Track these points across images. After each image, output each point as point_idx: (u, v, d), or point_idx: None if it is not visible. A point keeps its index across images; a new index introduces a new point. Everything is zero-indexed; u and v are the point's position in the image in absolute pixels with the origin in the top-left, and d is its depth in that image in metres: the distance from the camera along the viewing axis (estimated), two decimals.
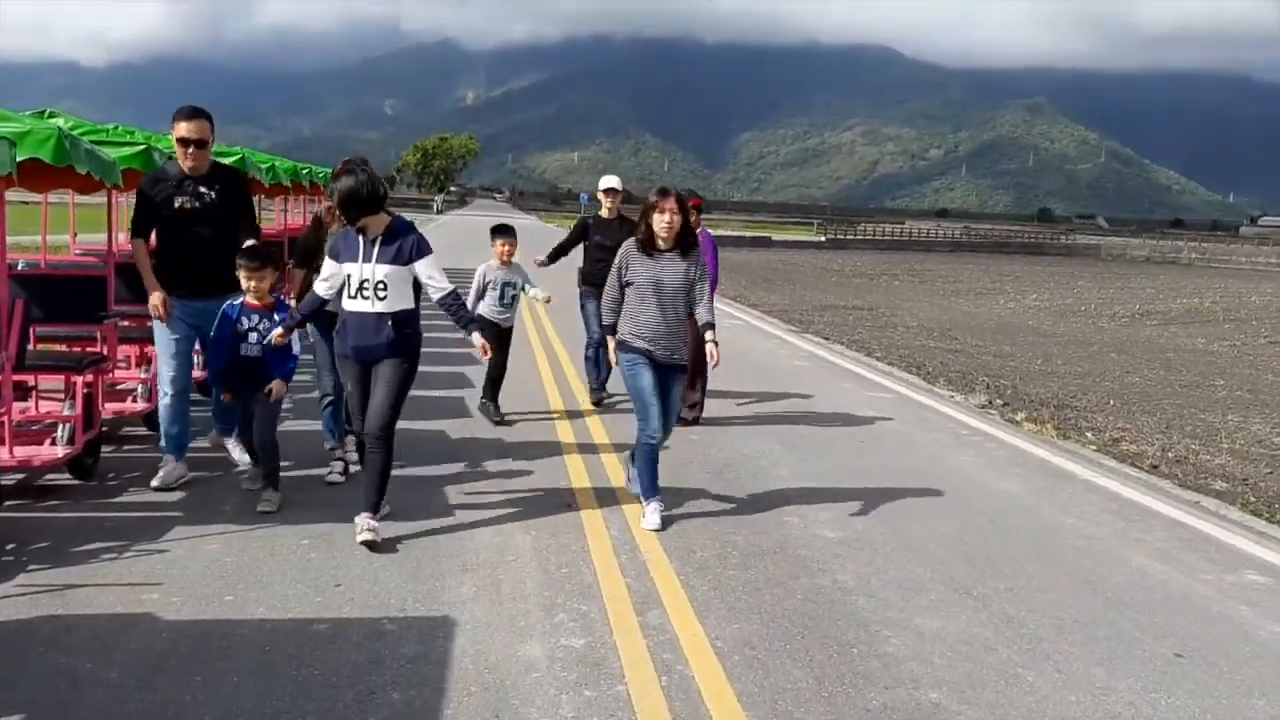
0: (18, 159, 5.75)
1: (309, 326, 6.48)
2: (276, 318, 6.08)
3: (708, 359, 6.32)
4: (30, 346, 6.87)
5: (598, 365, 9.69)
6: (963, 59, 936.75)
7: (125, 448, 7.41)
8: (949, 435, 9.65)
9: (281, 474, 6.31)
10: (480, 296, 8.86)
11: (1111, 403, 13.02)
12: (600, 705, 3.96)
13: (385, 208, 5.64)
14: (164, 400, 6.48)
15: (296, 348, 6.16)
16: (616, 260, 6.36)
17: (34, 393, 6.93)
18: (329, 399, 6.87)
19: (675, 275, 6.21)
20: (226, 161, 8.58)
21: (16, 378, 6.20)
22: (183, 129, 6.31)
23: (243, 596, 4.80)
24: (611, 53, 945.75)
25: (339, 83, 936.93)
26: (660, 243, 6.22)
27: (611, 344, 6.43)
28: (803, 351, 15.45)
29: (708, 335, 6.29)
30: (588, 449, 8.02)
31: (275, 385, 6.05)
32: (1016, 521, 6.89)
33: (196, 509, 6.02)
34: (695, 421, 9.03)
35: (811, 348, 15.93)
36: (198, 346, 6.74)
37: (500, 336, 8.82)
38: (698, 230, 9.46)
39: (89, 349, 7.32)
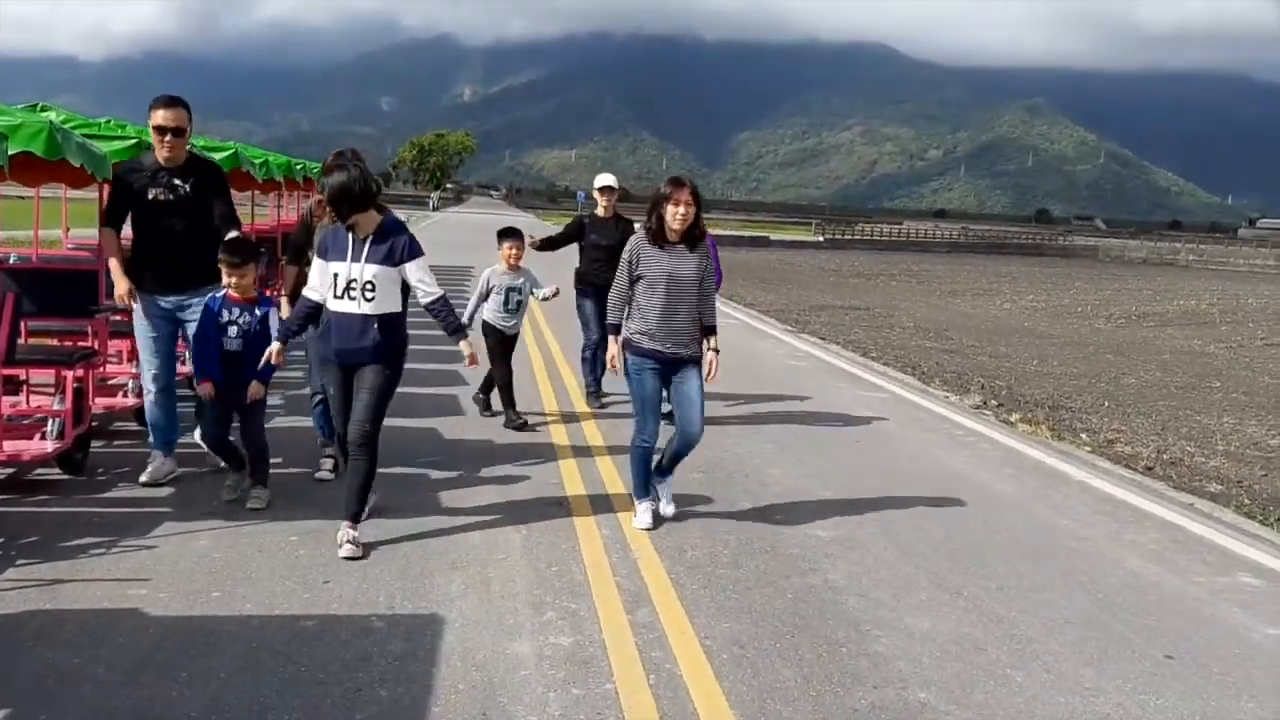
0: (9, 152, 5.75)
1: None
2: (258, 312, 6.02)
3: (705, 368, 6.14)
4: (21, 340, 6.84)
5: (594, 366, 9.64)
6: (962, 59, 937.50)
7: (115, 443, 7.38)
8: (943, 436, 9.64)
9: (272, 471, 6.29)
10: (483, 300, 8.69)
11: (1106, 404, 13.02)
12: (588, 703, 3.94)
13: (378, 204, 5.47)
14: (148, 397, 6.46)
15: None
16: (625, 254, 6.09)
17: (24, 387, 6.90)
18: (320, 396, 6.83)
19: (687, 268, 6.00)
20: (219, 156, 8.57)
21: (7, 372, 6.17)
22: (160, 116, 6.13)
23: (230, 593, 4.78)
24: (610, 50, 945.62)
25: (336, 78, 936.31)
26: (671, 235, 5.99)
27: (614, 346, 6.15)
28: (799, 351, 15.44)
29: (710, 342, 6.15)
30: (581, 448, 7.99)
31: (252, 387, 5.96)
32: (1009, 522, 6.88)
33: (185, 505, 6.00)
34: None
35: (808, 347, 15.92)
36: (181, 342, 6.68)
37: (505, 343, 8.70)
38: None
39: (80, 343, 7.29)
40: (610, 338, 6.22)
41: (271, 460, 6.32)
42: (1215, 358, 20.21)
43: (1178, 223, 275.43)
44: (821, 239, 76.55)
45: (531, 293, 8.77)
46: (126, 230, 6.46)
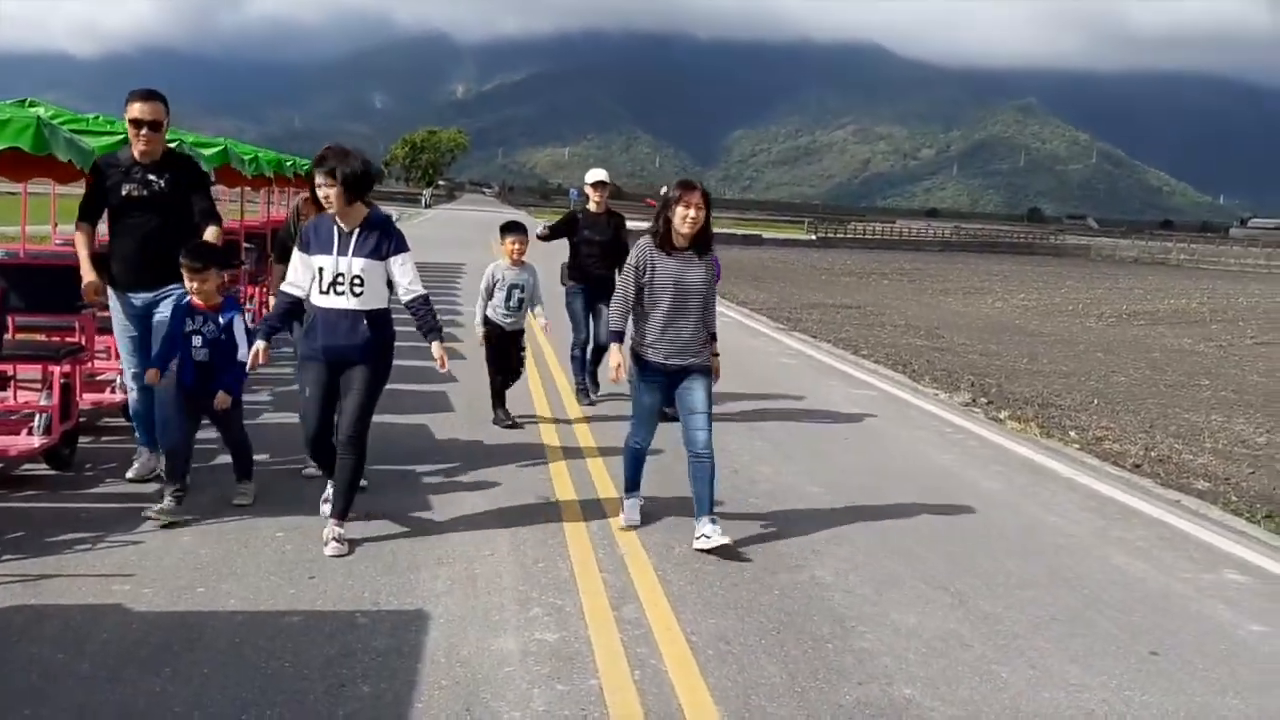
0: None
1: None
2: (222, 319, 5.80)
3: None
4: (8, 336, 6.81)
5: (583, 364, 9.62)
6: (955, 58, 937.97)
7: (103, 438, 7.36)
8: (932, 433, 9.66)
9: (259, 467, 6.28)
10: (489, 296, 8.53)
11: (1096, 402, 13.04)
12: (572, 699, 3.94)
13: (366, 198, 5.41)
14: (131, 395, 6.42)
15: (244, 353, 5.74)
16: (632, 260, 5.83)
17: (12, 382, 6.88)
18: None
19: (696, 275, 5.77)
20: (208, 153, 8.54)
21: None
22: (136, 109, 5.98)
23: (215, 588, 4.77)
24: (603, 48, 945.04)
25: (329, 75, 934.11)
26: (679, 239, 5.73)
27: (616, 354, 5.90)
28: (790, 349, 15.45)
29: (712, 347, 5.97)
30: (570, 446, 7.99)
31: (219, 398, 5.78)
32: (997, 519, 6.89)
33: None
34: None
35: (799, 345, 15.93)
36: None
37: (505, 338, 8.57)
38: None
39: (67, 339, 7.28)
40: (613, 346, 5.97)
41: (258, 456, 6.31)
42: (1205, 356, 20.26)
43: (1169, 222, 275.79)
44: (814, 237, 76.58)
45: (531, 298, 8.55)
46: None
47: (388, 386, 5.72)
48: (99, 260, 6.16)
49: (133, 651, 4.12)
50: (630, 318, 5.93)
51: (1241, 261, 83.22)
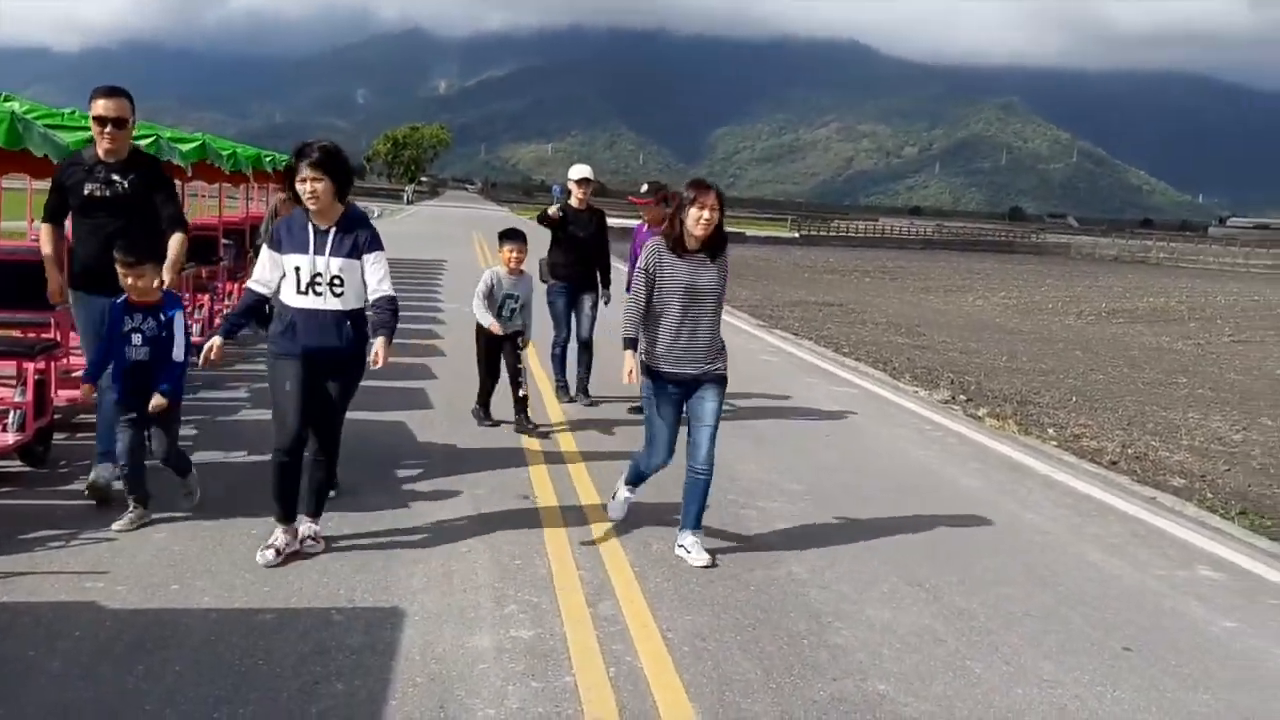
0: None
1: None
2: (163, 316, 5.54)
3: None
4: None
5: (564, 363, 9.56)
6: (938, 57, 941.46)
7: (77, 435, 7.30)
8: (912, 431, 9.69)
9: (235, 462, 6.25)
10: (488, 299, 8.21)
11: (1074, 399, 13.12)
12: (547, 696, 3.94)
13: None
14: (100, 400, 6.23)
15: (179, 352, 5.55)
16: (642, 263, 5.59)
17: None
18: None
19: (710, 279, 5.54)
20: (185, 148, 8.49)
21: None
22: (100, 106, 5.76)
23: (189, 585, 4.75)
24: (587, 44, 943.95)
25: (311, 70, 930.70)
26: (691, 242, 5.50)
27: (631, 359, 5.61)
28: (770, 346, 15.47)
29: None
30: (549, 443, 7.97)
31: (154, 400, 5.44)
32: (974, 515, 6.92)
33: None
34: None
35: (779, 343, 15.96)
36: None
37: (495, 341, 8.29)
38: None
39: (42, 335, 7.22)
40: (627, 353, 5.64)
41: (234, 453, 6.27)
42: (1183, 354, 20.40)
43: (1149, 221, 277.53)
44: (797, 235, 76.77)
45: (521, 332, 8.34)
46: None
47: (366, 384, 5.70)
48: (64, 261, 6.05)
49: (106, 649, 4.10)
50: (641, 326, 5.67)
51: (1220, 260, 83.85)
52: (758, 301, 23.31)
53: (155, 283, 5.55)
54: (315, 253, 5.04)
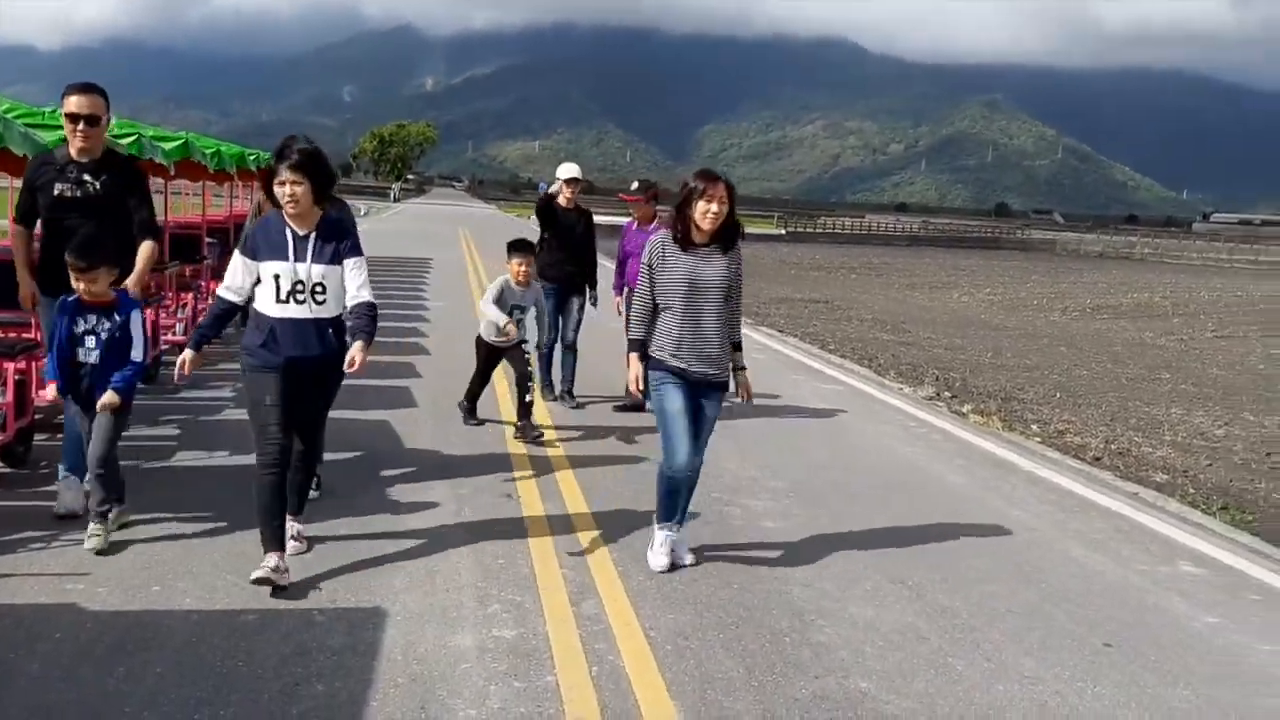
0: None
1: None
2: (118, 316, 5.25)
3: (739, 392, 5.58)
4: None
5: (549, 364, 9.49)
6: (924, 54, 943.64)
7: (58, 436, 7.23)
8: (897, 427, 9.70)
9: (218, 464, 6.21)
10: (497, 303, 8.02)
11: (1058, 395, 13.17)
12: (529, 696, 3.93)
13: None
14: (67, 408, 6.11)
15: (139, 353, 5.29)
16: (645, 258, 5.38)
17: None
18: None
19: (716, 274, 5.27)
20: (168, 146, 8.45)
21: None
22: (72, 103, 5.57)
23: (171, 587, 4.72)
24: (574, 41, 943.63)
25: (297, 68, 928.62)
26: (698, 235, 5.27)
27: (636, 365, 5.42)
28: (756, 344, 15.47)
29: (736, 359, 5.52)
30: (533, 443, 7.94)
31: (106, 397, 5.14)
32: (958, 512, 6.94)
33: (127, 498, 5.90)
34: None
35: (765, 340, 15.96)
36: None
37: (495, 351, 8.21)
38: (657, 222, 9.36)
39: (23, 335, 7.18)
40: (632, 355, 5.45)
41: (218, 453, 6.24)
42: (1166, 350, 20.50)
43: (1134, 217, 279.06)
44: (784, 232, 76.89)
45: (525, 340, 8.24)
46: None
47: (350, 382, 5.67)
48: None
49: (86, 651, 4.08)
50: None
51: (1204, 256, 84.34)
52: (744, 299, 23.30)
53: (109, 285, 5.27)
54: (296, 260, 4.80)
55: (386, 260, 24.17)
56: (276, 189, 4.76)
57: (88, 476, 5.37)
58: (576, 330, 9.45)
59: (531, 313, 8.38)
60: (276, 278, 4.80)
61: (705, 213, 5.21)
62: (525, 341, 8.32)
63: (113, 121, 7.86)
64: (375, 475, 6.77)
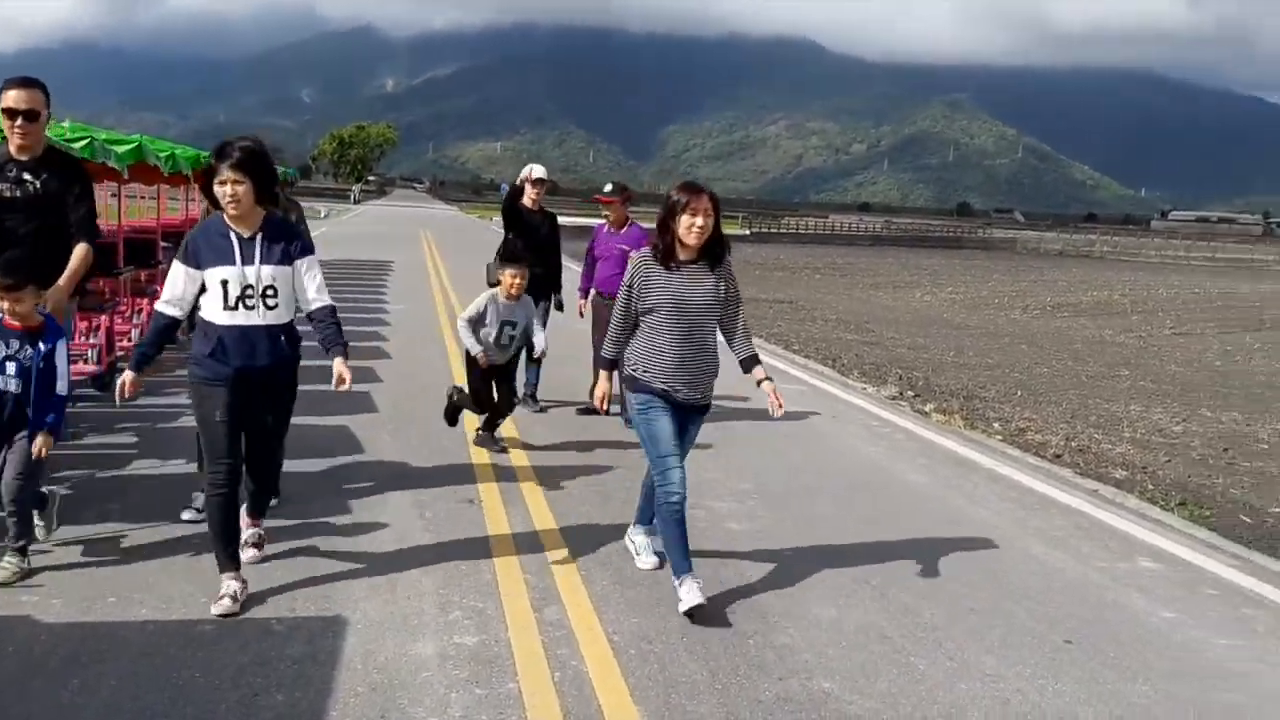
0: None
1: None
2: (43, 346, 4.86)
3: (770, 405, 5.25)
4: None
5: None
6: (885, 54, 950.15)
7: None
8: (860, 427, 9.74)
9: (171, 473, 6.12)
10: (479, 325, 7.53)
11: (1019, 393, 13.28)
12: (490, 703, 3.90)
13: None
14: None
15: (64, 385, 4.88)
16: (626, 278, 5.10)
17: None
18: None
19: (703, 293, 4.99)
20: (121, 150, 8.32)
21: None
22: (10, 98, 5.33)
23: (126, 598, 4.64)
24: (535, 41, 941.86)
25: (254, 69, 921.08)
26: (684, 252, 4.98)
27: (605, 384, 5.24)
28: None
29: (756, 374, 5.27)
30: (495, 447, 7.89)
31: (39, 442, 4.79)
32: (921, 512, 6.97)
33: (82, 507, 5.81)
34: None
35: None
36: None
37: (493, 369, 7.61)
38: (629, 226, 9.30)
39: None
40: (602, 373, 5.26)
41: (173, 461, 6.15)
42: (1125, 347, 20.73)
43: (1093, 215, 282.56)
44: (748, 232, 77.06)
45: (528, 329, 7.68)
46: None
47: (310, 387, 5.61)
48: None
49: (40, 663, 4.01)
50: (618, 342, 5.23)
51: (1162, 253, 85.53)
52: None
53: (33, 307, 4.91)
54: (244, 263, 4.56)
55: (347, 263, 24.00)
56: (217, 189, 4.53)
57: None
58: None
59: (538, 336, 7.82)
60: (224, 283, 4.55)
61: (690, 227, 4.91)
62: (514, 366, 7.86)
63: (66, 124, 7.79)
64: (335, 482, 6.70)
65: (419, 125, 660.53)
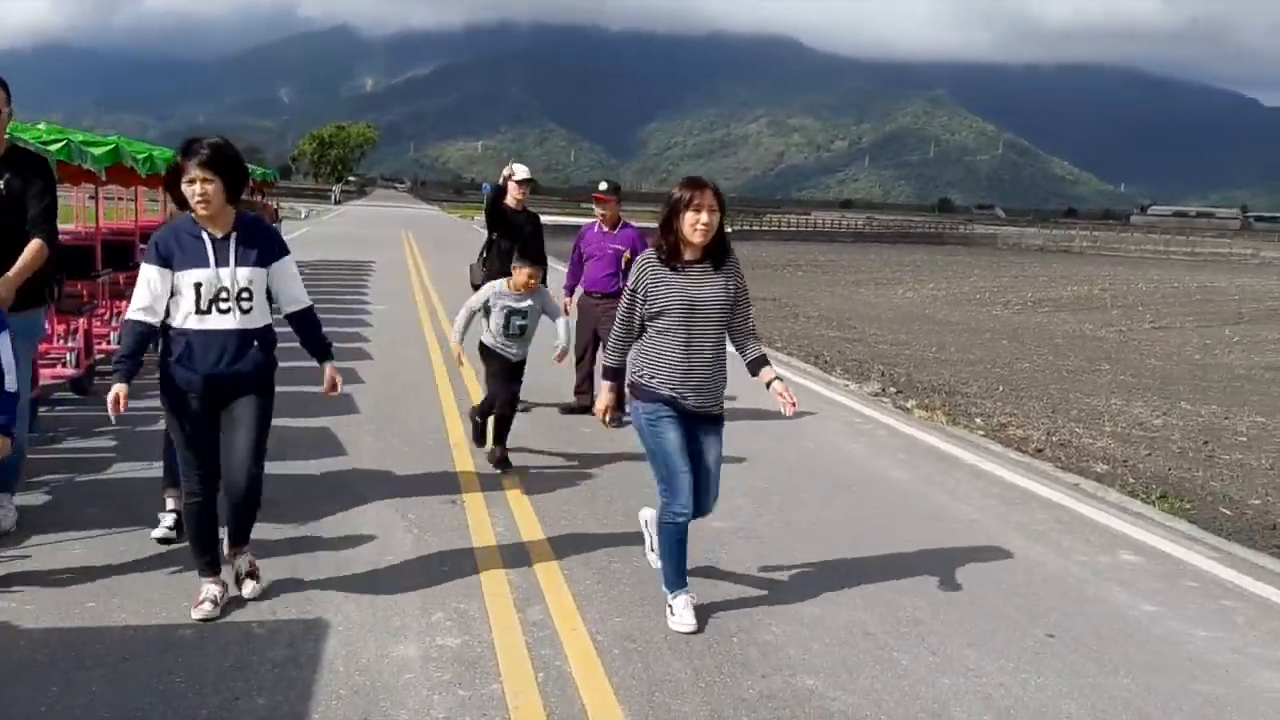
0: None
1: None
2: None
3: (782, 404, 4.97)
4: None
5: None
6: (866, 51, 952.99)
7: None
8: (842, 424, 9.76)
9: (156, 475, 6.06)
10: (478, 315, 7.35)
11: (1001, 388, 13.33)
12: (473, 704, 3.89)
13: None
14: None
15: (10, 382, 4.48)
16: (630, 282, 4.85)
17: None
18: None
19: (712, 295, 4.76)
20: (98, 152, 8.26)
21: None
22: None
23: (106, 603, 4.61)
24: (515, 40, 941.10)
25: (233, 70, 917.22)
26: (689, 251, 4.76)
27: (608, 395, 4.96)
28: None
29: (766, 374, 5.02)
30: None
31: None
32: (903, 508, 6.99)
33: (60, 512, 5.78)
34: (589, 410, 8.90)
35: None
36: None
37: (511, 370, 7.43)
38: (622, 226, 9.27)
39: None
40: (605, 384, 5.00)
41: (156, 463, 6.08)
42: (1105, 341, 20.84)
43: (1073, 210, 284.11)
44: (730, 229, 77.01)
45: (538, 317, 7.42)
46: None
47: (290, 388, 5.58)
48: None
49: (18, 670, 3.98)
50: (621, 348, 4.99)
51: (1141, 248, 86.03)
52: None
53: None
54: (218, 265, 4.39)
55: (329, 263, 23.92)
56: (186, 188, 4.35)
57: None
58: None
59: (560, 322, 7.60)
60: (197, 287, 4.37)
61: (695, 224, 4.67)
62: (523, 364, 7.55)
63: (42, 126, 7.73)
64: (316, 483, 6.67)
65: (399, 125, 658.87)
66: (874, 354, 16.00)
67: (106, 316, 10.61)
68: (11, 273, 5.25)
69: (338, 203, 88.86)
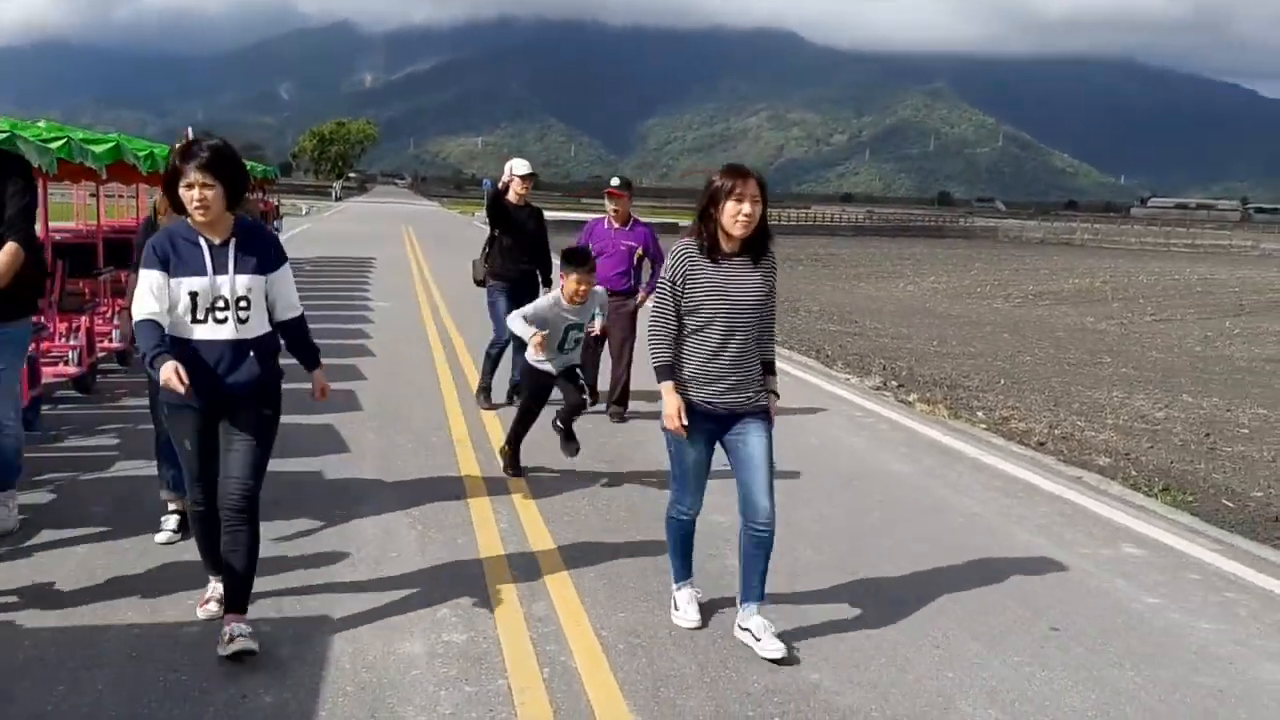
0: None
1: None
2: None
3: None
4: None
5: (495, 364, 9.32)
6: (865, 44, 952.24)
7: None
8: (844, 418, 9.76)
9: (155, 474, 6.07)
10: (531, 321, 6.75)
11: (1002, 382, 13.34)
12: (480, 700, 3.91)
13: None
14: None
15: None
16: (666, 273, 4.57)
17: None
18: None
19: (751, 289, 4.50)
20: (98, 150, 8.26)
21: None
22: None
23: (111, 602, 4.62)
24: (515, 35, 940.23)
25: (232, 66, 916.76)
26: (727, 243, 4.49)
27: (674, 398, 4.51)
28: None
29: (769, 383, 4.70)
30: (482, 445, 7.88)
31: None
32: (906, 501, 7.00)
33: (65, 511, 5.79)
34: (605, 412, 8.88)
35: None
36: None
37: (549, 380, 7.03)
38: (633, 223, 9.21)
39: None
40: (665, 385, 4.56)
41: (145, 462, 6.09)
42: (1107, 334, 20.84)
43: (1074, 203, 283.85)
44: None
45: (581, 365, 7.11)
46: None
47: (292, 386, 5.54)
48: None
49: (25, 669, 3.99)
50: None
51: (1142, 240, 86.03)
52: None
53: None
54: (215, 273, 4.15)
55: (330, 260, 23.93)
56: (184, 193, 4.10)
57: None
58: None
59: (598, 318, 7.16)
60: (193, 295, 4.13)
61: (736, 215, 4.39)
62: (579, 367, 7.11)
63: (42, 124, 7.73)
64: (320, 481, 6.69)
65: (399, 121, 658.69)
66: (875, 348, 16.00)
67: (108, 314, 10.61)
68: None
69: (339, 199, 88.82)
